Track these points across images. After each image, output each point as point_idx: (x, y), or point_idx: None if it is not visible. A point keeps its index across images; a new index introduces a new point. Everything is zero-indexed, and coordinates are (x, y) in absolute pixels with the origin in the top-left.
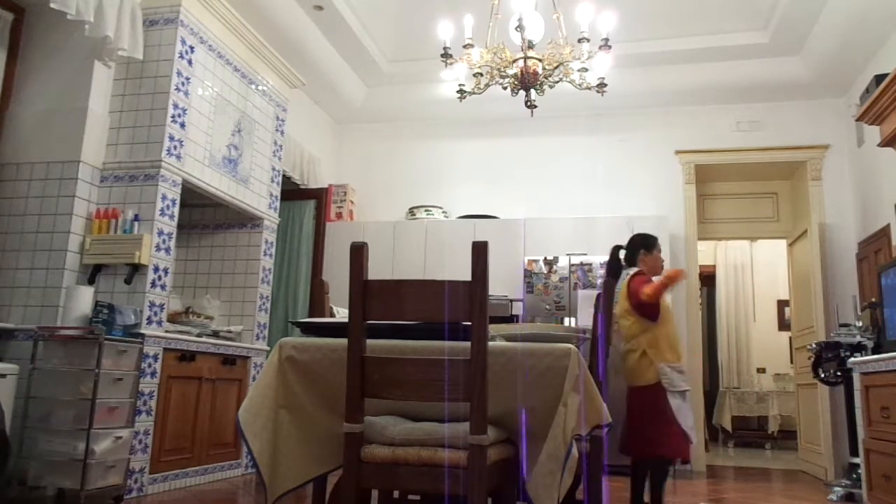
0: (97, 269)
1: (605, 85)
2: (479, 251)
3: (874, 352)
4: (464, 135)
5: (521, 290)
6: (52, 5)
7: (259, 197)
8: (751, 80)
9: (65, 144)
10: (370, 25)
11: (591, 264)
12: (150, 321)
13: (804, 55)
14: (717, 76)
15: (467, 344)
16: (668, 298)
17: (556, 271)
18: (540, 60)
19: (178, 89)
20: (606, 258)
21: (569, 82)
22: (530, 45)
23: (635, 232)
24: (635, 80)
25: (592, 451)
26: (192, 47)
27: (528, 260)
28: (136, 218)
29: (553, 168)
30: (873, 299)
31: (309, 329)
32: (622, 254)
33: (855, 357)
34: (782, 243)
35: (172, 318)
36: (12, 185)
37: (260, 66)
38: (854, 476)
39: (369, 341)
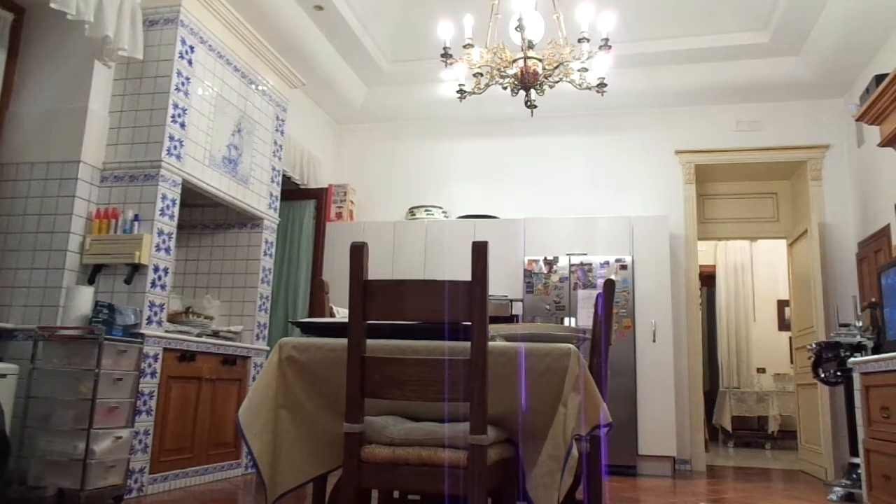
0: (97, 269)
1: (605, 85)
2: (479, 251)
3: (874, 352)
4: (464, 135)
5: (521, 290)
6: (52, 5)
7: (259, 197)
8: (751, 80)
9: (65, 144)
10: (370, 25)
11: (591, 264)
12: (150, 321)
13: (804, 55)
14: (717, 76)
15: (467, 344)
16: None
17: (556, 271)
18: (540, 60)
19: (178, 89)
20: (607, 258)
21: (569, 82)
22: (530, 45)
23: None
24: (635, 80)
25: (592, 451)
26: (192, 47)
27: (528, 260)
28: (136, 218)
29: (553, 168)
30: (873, 299)
31: (309, 329)
32: None
33: (855, 357)
34: (782, 243)
35: (172, 318)
36: (12, 185)
37: (260, 66)
38: (854, 476)
39: (369, 341)
